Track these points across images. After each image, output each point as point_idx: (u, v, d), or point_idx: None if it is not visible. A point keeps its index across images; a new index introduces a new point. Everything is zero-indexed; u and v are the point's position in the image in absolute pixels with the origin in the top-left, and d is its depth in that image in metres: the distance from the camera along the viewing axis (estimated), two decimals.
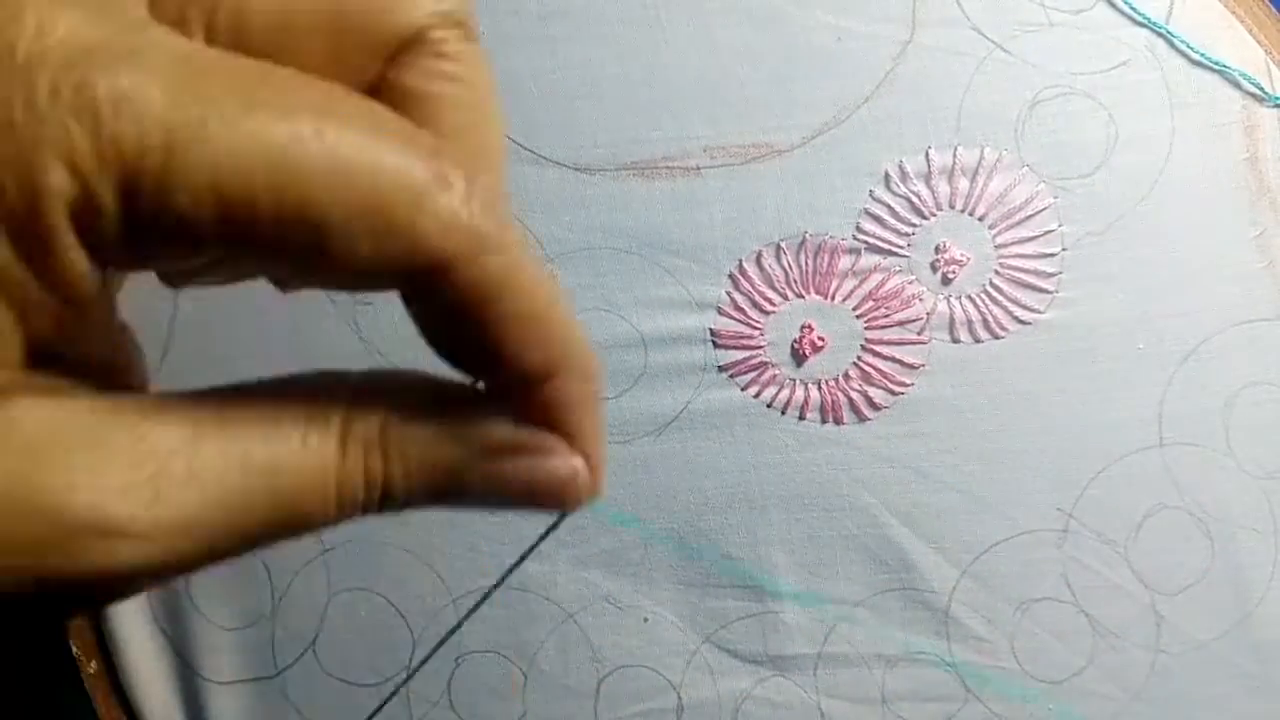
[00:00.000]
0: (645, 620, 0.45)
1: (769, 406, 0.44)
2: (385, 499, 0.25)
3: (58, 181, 0.20)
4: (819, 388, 0.44)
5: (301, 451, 0.24)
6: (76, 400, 0.22)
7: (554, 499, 0.25)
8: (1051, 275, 0.44)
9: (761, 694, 0.45)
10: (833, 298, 0.44)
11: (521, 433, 0.24)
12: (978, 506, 0.44)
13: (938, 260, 0.44)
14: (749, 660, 0.45)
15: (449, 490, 0.26)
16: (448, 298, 0.21)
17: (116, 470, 0.22)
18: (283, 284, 0.23)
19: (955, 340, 0.44)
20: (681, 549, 0.45)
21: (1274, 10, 0.44)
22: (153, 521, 0.22)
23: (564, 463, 0.25)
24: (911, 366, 0.44)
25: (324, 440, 0.24)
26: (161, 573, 0.23)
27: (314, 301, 0.44)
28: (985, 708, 0.44)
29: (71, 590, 0.22)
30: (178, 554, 0.23)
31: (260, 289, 0.46)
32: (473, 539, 0.44)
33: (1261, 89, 0.43)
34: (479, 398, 0.24)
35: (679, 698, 0.45)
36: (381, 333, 0.44)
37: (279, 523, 0.24)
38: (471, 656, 0.45)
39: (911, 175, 0.43)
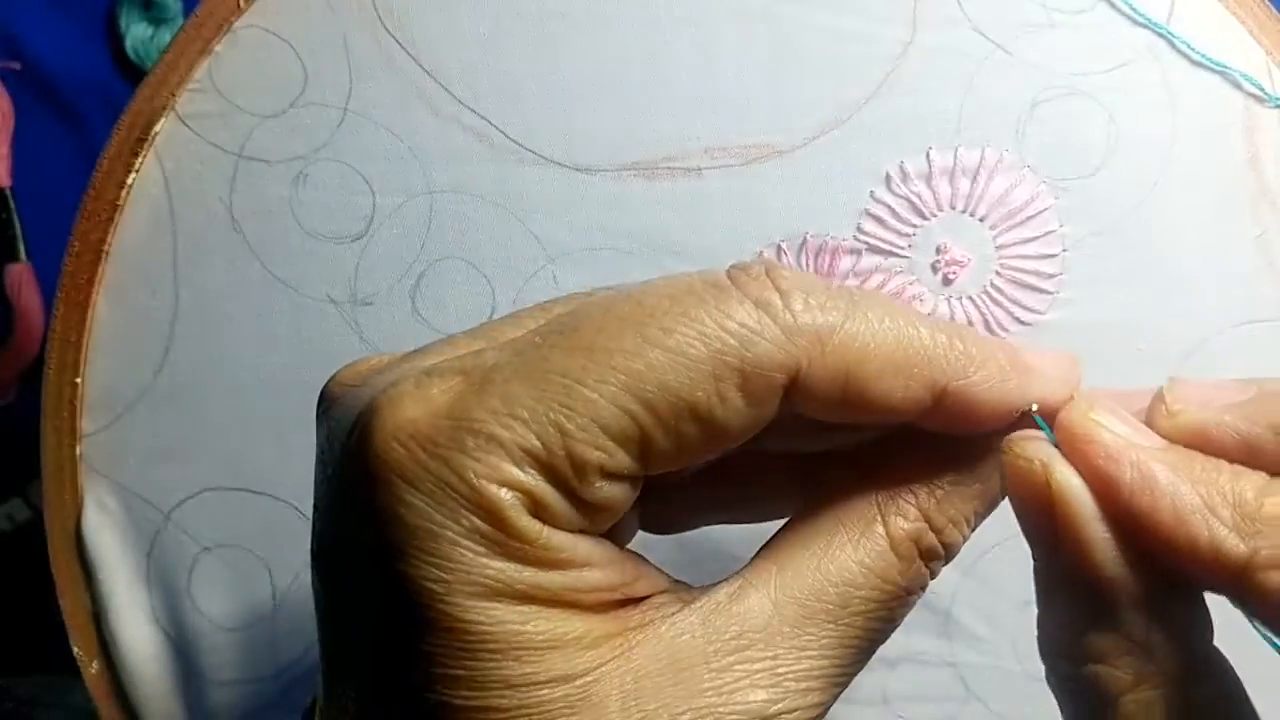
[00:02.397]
0: None
1: None
2: (950, 556, 0.31)
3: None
4: None
5: (861, 578, 0.28)
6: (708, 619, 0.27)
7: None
8: (1052, 276, 0.44)
9: None
10: None
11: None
12: None
13: (939, 261, 0.44)
14: None
15: (990, 510, 0.31)
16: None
17: (740, 672, 0.26)
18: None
19: None
20: (682, 549, 0.45)
21: (1274, 11, 0.44)
22: (777, 710, 0.26)
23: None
24: None
25: (876, 555, 0.28)
26: None
27: (315, 301, 0.44)
28: (986, 708, 0.44)
29: None
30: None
31: (261, 290, 0.46)
32: None
33: (1262, 90, 0.43)
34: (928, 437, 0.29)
35: None
36: (382, 333, 0.44)
37: (872, 642, 0.29)
38: None
39: (912, 176, 0.43)
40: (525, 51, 0.44)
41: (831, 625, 0.27)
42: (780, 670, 0.26)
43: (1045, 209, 0.44)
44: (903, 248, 0.44)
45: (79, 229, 0.45)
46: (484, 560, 0.24)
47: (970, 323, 0.44)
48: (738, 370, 0.25)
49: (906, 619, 0.44)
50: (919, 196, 0.43)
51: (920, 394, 0.27)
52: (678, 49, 0.44)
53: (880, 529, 0.28)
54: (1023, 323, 0.44)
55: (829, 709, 0.28)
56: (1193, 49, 0.43)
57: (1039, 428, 0.27)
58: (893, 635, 0.44)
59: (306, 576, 0.44)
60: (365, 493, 0.25)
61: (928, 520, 0.29)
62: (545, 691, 0.24)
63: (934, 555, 0.29)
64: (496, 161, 0.44)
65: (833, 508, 0.29)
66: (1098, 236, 0.43)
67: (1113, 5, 0.43)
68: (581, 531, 0.26)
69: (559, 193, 0.44)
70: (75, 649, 0.46)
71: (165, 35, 0.64)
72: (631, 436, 0.25)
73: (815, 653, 0.27)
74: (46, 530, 0.47)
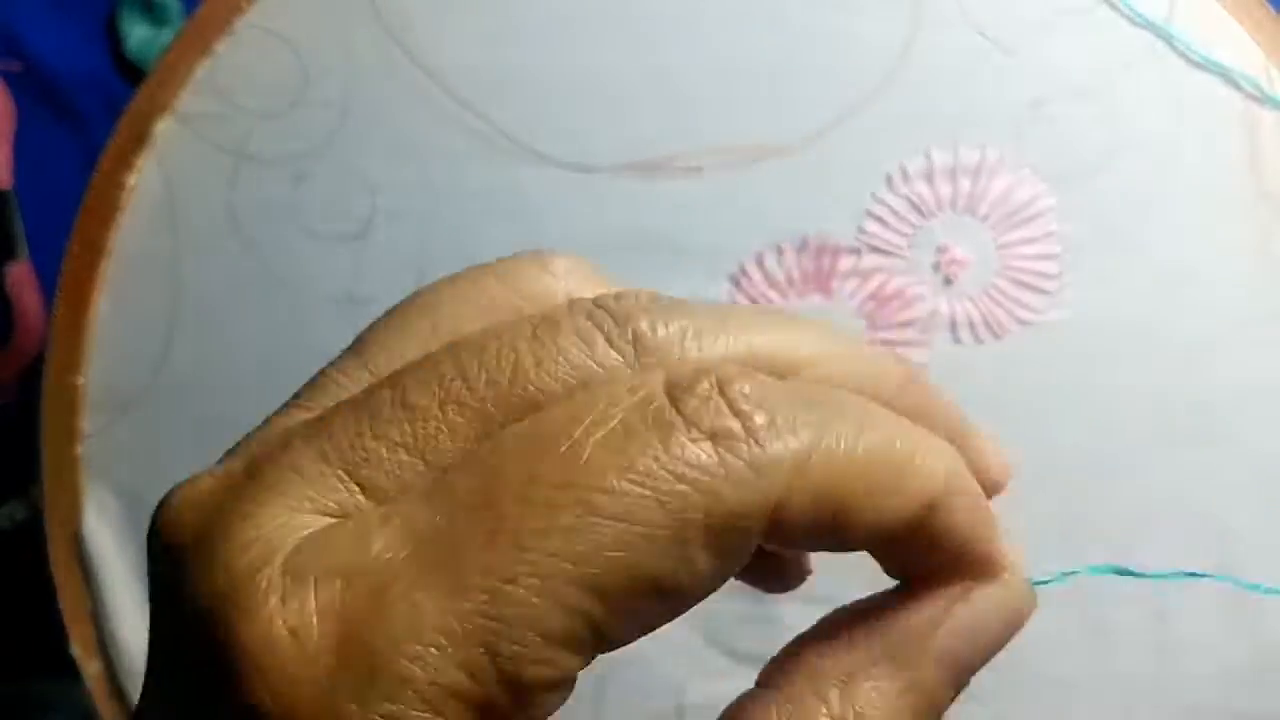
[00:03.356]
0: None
1: None
2: None
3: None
4: None
5: None
6: None
7: (1015, 628, 0.24)
8: (1053, 276, 0.44)
9: None
10: (835, 298, 0.44)
11: (945, 593, 0.23)
12: None
13: (940, 261, 0.44)
14: (751, 661, 0.45)
15: (934, 705, 0.24)
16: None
17: None
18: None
19: (957, 341, 0.44)
20: None
21: (1273, 11, 0.44)
22: None
23: (996, 590, 0.24)
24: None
25: None
26: None
27: (314, 301, 0.44)
28: (986, 708, 0.44)
29: None
30: None
31: (261, 290, 0.46)
32: None
33: (1262, 90, 0.43)
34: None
35: (680, 698, 0.45)
36: None
37: None
38: None
39: (913, 176, 0.43)
40: (525, 51, 0.44)
41: None
42: None
43: (1046, 209, 0.44)
44: (903, 248, 0.44)
45: (79, 229, 0.45)
46: None
47: (971, 323, 0.44)
48: (703, 528, 0.19)
49: None
50: (920, 196, 0.44)
51: (908, 511, 0.22)
52: (679, 49, 0.44)
53: None
54: (1023, 323, 0.44)
55: None
56: (1192, 49, 0.43)
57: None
58: None
59: None
60: None
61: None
62: None
63: None
64: (496, 161, 0.44)
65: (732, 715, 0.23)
66: (1098, 236, 0.43)
67: (1113, 5, 0.43)
68: None
69: (559, 193, 0.44)
70: (75, 649, 0.46)
71: (165, 35, 0.64)
72: (582, 636, 0.19)
73: None
74: (46, 530, 0.47)
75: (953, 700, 0.24)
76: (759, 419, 0.20)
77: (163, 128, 0.45)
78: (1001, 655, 0.44)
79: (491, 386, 0.20)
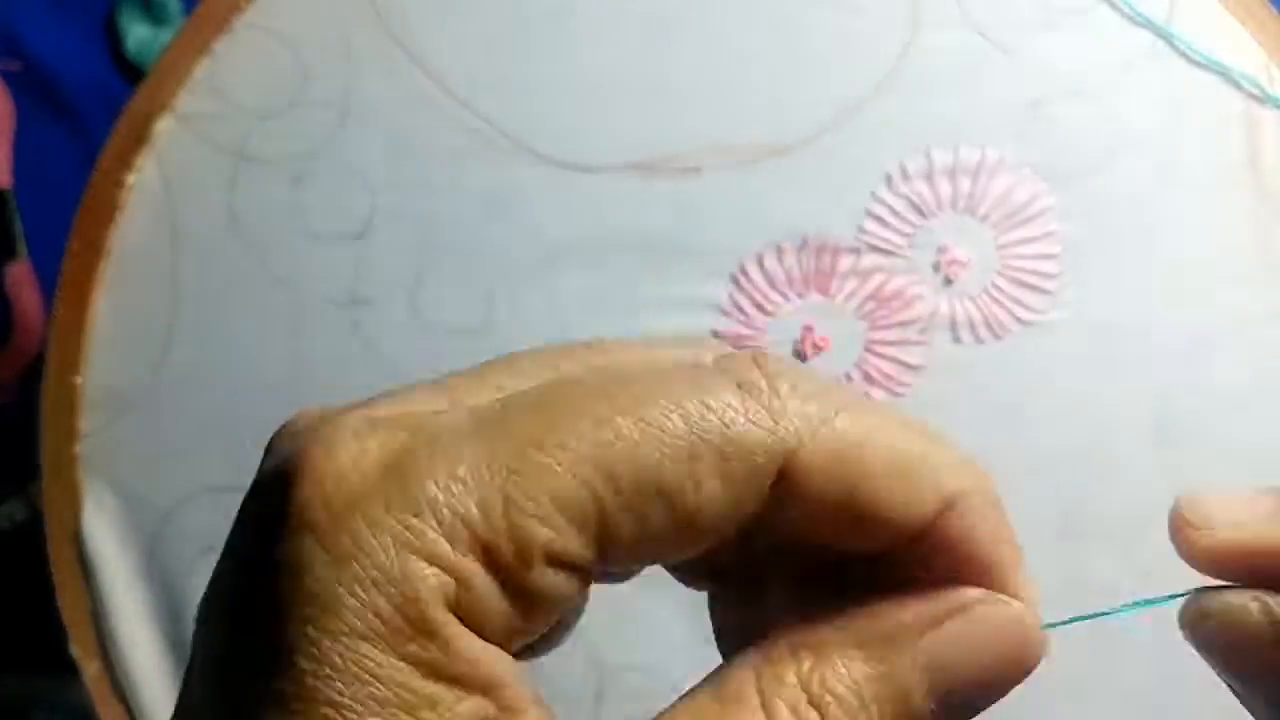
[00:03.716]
0: (646, 624, 0.45)
1: None
2: None
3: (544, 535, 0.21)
4: None
5: None
6: None
7: (1018, 660, 0.24)
8: (1053, 276, 0.44)
9: None
10: (834, 298, 0.44)
11: (939, 598, 0.23)
12: None
13: (940, 261, 0.44)
14: None
15: (910, 713, 0.23)
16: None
17: None
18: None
19: (957, 341, 0.44)
20: None
21: (1274, 11, 0.44)
22: None
23: (1000, 611, 0.23)
24: (913, 367, 0.44)
25: None
26: None
27: (314, 301, 0.44)
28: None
29: None
30: None
31: (261, 290, 0.46)
32: None
33: (1262, 90, 0.43)
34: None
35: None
36: (382, 333, 0.44)
37: None
38: None
39: (913, 175, 0.43)
40: (525, 51, 0.44)
41: None
42: None
43: (1046, 209, 0.44)
44: (903, 247, 0.44)
45: (78, 229, 0.45)
46: (375, 656, 0.20)
47: (971, 323, 0.44)
48: (717, 449, 0.21)
49: None
50: (920, 196, 0.43)
51: (928, 504, 0.22)
52: (678, 48, 0.44)
53: (755, 702, 0.23)
54: (1024, 323, 0.44)
55: None
56: (1193, 49, 0.43)
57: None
58: None
59: None
60: (271, 542, 0.21)
61: (807, 692, 0.23)
62: None
63: None
64: (496, 161, 0.44)
65: (713, 678, 0.24)
66: (1098, 236, 0.43)
67: (1113, 5, 0.43)
68: (505, 641, 0.21)
69: (559, 192, 0.44)
70: (75, 649, 0.46)
71: (165, 35, 0.64)
72: (588, 514, 0.21)
73: None
74: (46, 530, 0.47)
75: (935, 716, 0.23)
76: (784, 383, 0.22)
77: (162, 128, 0.45)
78: None
79: (591, 358, 0.24)
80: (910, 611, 0.23)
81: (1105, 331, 0.44)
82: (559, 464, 0.21)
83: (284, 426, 0.24)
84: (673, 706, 0.24)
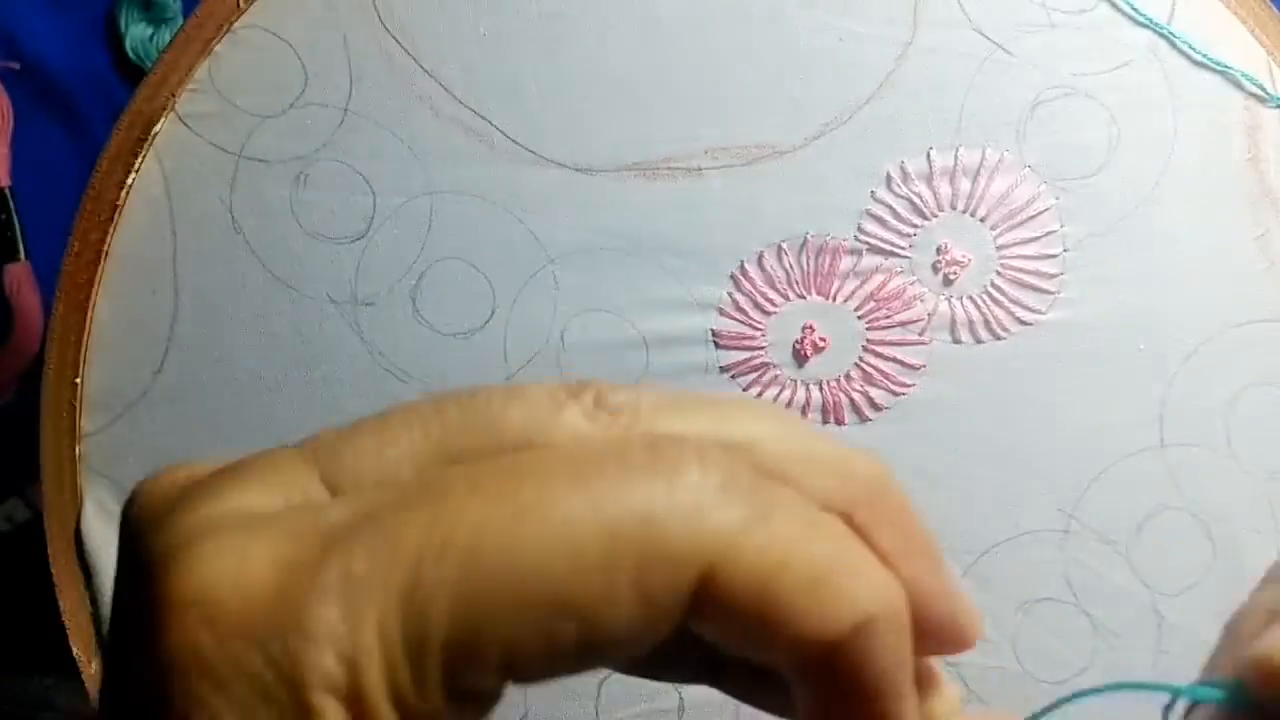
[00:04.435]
0: None
1: None
2: None
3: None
4: (820, 388, 0.44)
5: None
6: None
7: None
8: (1053, 276, 0.44)
9: None
10: (834, 298, 0.44)
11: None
12: (979, 506, 0.44)
13: (939, 261, 0.44)
14: None
15: None
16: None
17: None
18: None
19: (957, 341, 0.44)
20: None
21: (1275, 10, 0.44)
22: None
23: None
24: (913, 367, 0.44)
25: None
26: None
27: (315, 302, 0.44)
28: (987, 708, 0.44)
29: None
30: None
31: (261, 290, 0.46)
32: None
33: (1263, 89, 0.43)
34: None
35: (680, 697, 0.45)
36: (382, 334, 0.44)
37: None
38: None
39: (913, 176, 0.43)
40: (525, 51, 0.44)
41: None
42: None
43: (1046, 209, 0.44)
44: (903, 248, 0.44)
45: (79, 229, 0.45)
46: None
47: (971, 322, 0.44)
48: (634, 562, 0.19)
49: None
50: (920, 196, 0.43)
51: (839, 628, 0.20)
52: (679, 49, 0.44)
53: None
54: (1024, 322, 0.44)
55: None
56: (1194, 49, 0.43)
57: None
58: None
59: None
60: (154, 671, 0.19)
61: None
62: None
63: None
64: (496, 161, 0.44)
65: None
66: (1099, 236, 0.43)
67: (1113, 5, 0.43)
68: None
69: (559, 193, 0.44)
70: (75, 649, 0.46)
71: (165, 35, 0.64)
72: (495, 647, 0.19)
73: None
74: (46, 530, 0.47)
75: None
76: (716, 475, 0.19)
77: (163, 128, 0.45)
78: (1001, 654, 0.44)
79: (463, 417, 0.20)
80: None
81: (1106, 331, 0.44)
82: (460, 597, 0.18)
83: (143, 499, 0.22)
84: None
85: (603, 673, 0.45)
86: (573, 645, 0.19)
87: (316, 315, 0.44)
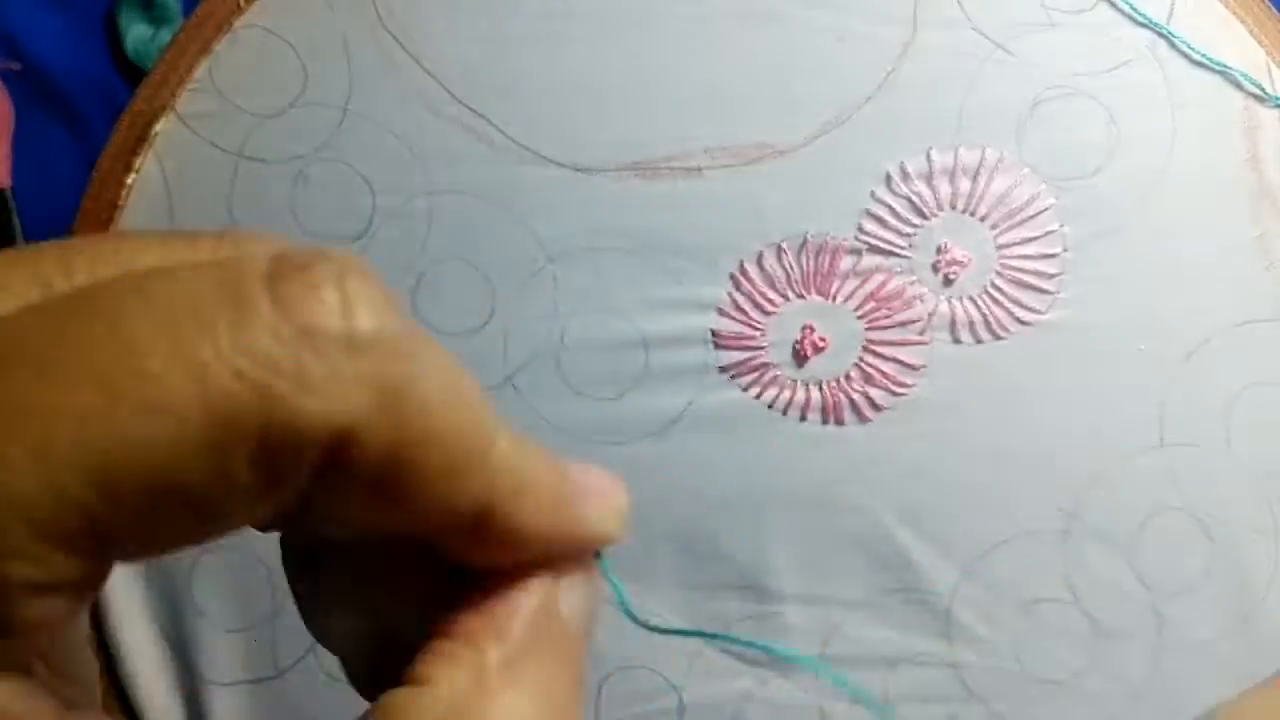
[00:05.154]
0: (647, 623, 0.45)
1: (770, 407, 0.44)
2: None
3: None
4: (820, 388, 0.44)
5: None
6: None
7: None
8: (1053, 276, 0.44)
9: (763, 695, 0.45)
10: (834, 298, 0.44)
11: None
12: (979, 507, 0.44)
13: (939, 261, 0.44)
14: (750, 661, 0.45)
15: None
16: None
17: None
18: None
19: (957, 341, 0.44)
20: (683, 550, 0.45)
21: (1274, 10, 0.44)
22: None
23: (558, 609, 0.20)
24: (913, 367, 0.44)
25: None
26: None
27: None
28: (987, 708, 0.44)
29: None
30: None
31: None
32: None
33: (1262, 89, 0.43)
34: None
35: (680, 698, 0.45)
36: None
37: None
38: None
39: (913, 176, 0.43)
40: (525, 51, 0.44)
41: None
42: None
43: (1046, 209, 0.44)
44: (903, 247, 0.44)
45: (79, 229, 0.45)
46: None
47: (971, 322, 0.44)
48: (255, 438, 0.15)
49: (905, 617, 0.44)
50: (919, 196, 0.43)
51: (468, 506, 0.18)
52: (679, 49, 0.44)
53: None
54: (1023, 322, 0.44)
55: None
56: (1193, 49, 0.43)
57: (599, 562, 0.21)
58: (894, 635, 0.45)
59: None
60: None
61: None
62: None
63: None
64: (496, 162, 0.44)
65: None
66: (1098, 236, 0.43)
67: (1113, 5, 0.43)
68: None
69: (559, 193, 0.44)
70: None
71: (165, 35, 0.64)
72: (80, 533, 0.15)
73: None
74: None
75: None
76: (365, 319, 0.16)
77: (163, 128, 0.45)
78: (1000, 654, 0.44)
79: (66, 256, 0.17)
80: (484, 622, 0.19)
81: (1105, 331, 0.44)
82: (32, 485, 0.15)
83: None
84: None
85: (603, 673, 0.45)
86: (180, 530, 0.16)
87: None
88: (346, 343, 0.16)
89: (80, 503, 0.15)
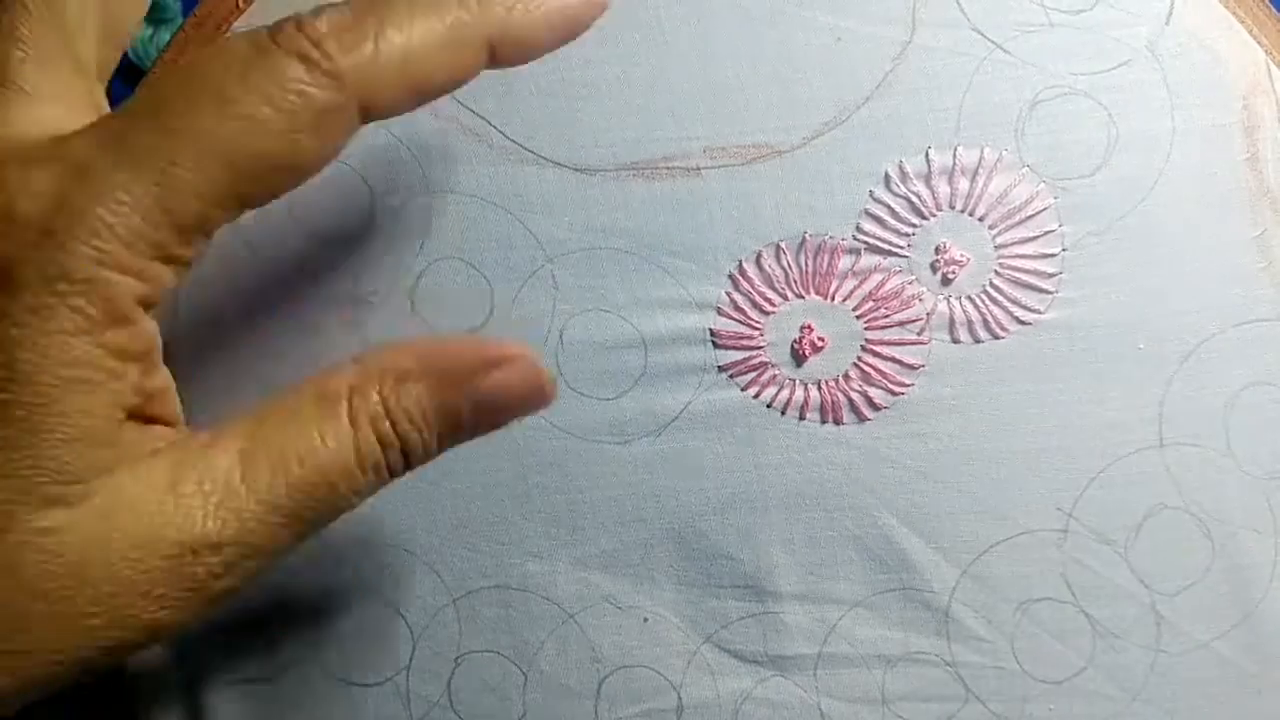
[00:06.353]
0: (645, 620, 0.45)
1: (769, 407, 0.44)
2: (409, 454, 0.34)
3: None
4: (819, 388, 0.44)
5: (319, 441, 0.32)
6: (159, 448, 0.31)
7: (536, 398, 0.35)
8: (1051, 275, 0.44)
9: (761, 694, 0.45)
10: (833, 298, 0.44)
11: (490, 348, 0.34)
12: (977, 506, 0.44)
13: (938, 261, 0.44)
14: (749, 660, 0.45)
15: (459, 428, 0.35)
16: None
17: (198, 503, 0.30)
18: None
19: (955, 341, 0.44)
20: (682, 549, 0.45)
21: (1274, 10, 0.44)
22: (227, 537, 0.30)
23: (534, 364, 0.35)
24: (911, 367, 0.44)
25: (336, 424, 0.32)
26: (247, 570, 0.32)
27: (314, 302, 0.44)
28: (985, 708, 0.44)
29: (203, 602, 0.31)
30: (255, 554, 0.31)
31: (260, 290, 0.46)
32: (472, 539, 0.44)
33: (1262, 89, 0.43)
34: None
35: (679, 698, 0.45)
36: (382, 332, 0.44)
37: (322, 504, 0.32)
38: (471, 656, 0.45)
39: (911, 176, 0.43)
40: None
41: (284, 480, 0.31)
42: (233, 507, 0.31)
43: (1044, 208, 0.44)
44: (902, 247, 0.44)
45: None
46: (81, 346, 0.28)
47: (969, 322, 0.44)
48: (306, 119, 0.30)
49: (903, 616, 0.44)
50: (918, 196, 0.44)
51: (477, 55, 0.33)
52: (677, 49, 0.44)
53: (344, 406, 0.32)
54: (1022, 322, 0.44)
55: (279, 556, 0.33)
56: (1192, 48, 0.43)
57: None
58: (892, 634, 0.45)
59: (307, 575, 0.45)
60: None
61: (385, 407, 0.32)
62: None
63: (388, 442, 0.33)
64: (496, 162, 0.44)
65: (320, 380, 0.33)
66: (1097, 236, 0.44)
67: (1112, 5, 0.43)
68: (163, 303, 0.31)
69: (559, 193, 0.44)
70: None
71: (165, 35, 0.64)
72: (227, 194, 0.30)
73: (267, 502, 0.31)
74: None
75: (471, 426, 0.35)
76: (330, 44, 0.30)
77: None
78: (999, 654, 0.44)
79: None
80: (470, 355, 0.34)
81: (1104, 331, 0.44)
82: (195, 173, 0.28)
83: None
84: (279, 394, 0.33)
85: (603, 673, 0.45)
86: (284, 180, 0.32)
87: (316, 314, 0.44)
88: (322, 57, 0.30)
89: (224, 180, 0.29)
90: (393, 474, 0.33)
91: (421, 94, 0.32)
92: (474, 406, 0.34)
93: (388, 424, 0.33)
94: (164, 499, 0.30)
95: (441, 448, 0.34)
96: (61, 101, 0.31)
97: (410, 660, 0.45)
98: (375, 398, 0.33)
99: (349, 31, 0.30)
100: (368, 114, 0.31)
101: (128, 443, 0.30)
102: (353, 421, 0.32)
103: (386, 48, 0.30)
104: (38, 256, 0.27)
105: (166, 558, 0.29)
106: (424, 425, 0.34)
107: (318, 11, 0.30)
